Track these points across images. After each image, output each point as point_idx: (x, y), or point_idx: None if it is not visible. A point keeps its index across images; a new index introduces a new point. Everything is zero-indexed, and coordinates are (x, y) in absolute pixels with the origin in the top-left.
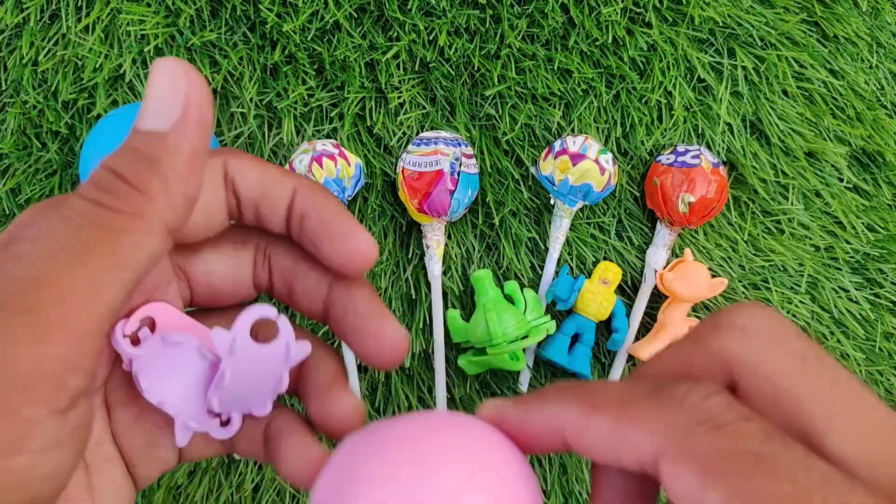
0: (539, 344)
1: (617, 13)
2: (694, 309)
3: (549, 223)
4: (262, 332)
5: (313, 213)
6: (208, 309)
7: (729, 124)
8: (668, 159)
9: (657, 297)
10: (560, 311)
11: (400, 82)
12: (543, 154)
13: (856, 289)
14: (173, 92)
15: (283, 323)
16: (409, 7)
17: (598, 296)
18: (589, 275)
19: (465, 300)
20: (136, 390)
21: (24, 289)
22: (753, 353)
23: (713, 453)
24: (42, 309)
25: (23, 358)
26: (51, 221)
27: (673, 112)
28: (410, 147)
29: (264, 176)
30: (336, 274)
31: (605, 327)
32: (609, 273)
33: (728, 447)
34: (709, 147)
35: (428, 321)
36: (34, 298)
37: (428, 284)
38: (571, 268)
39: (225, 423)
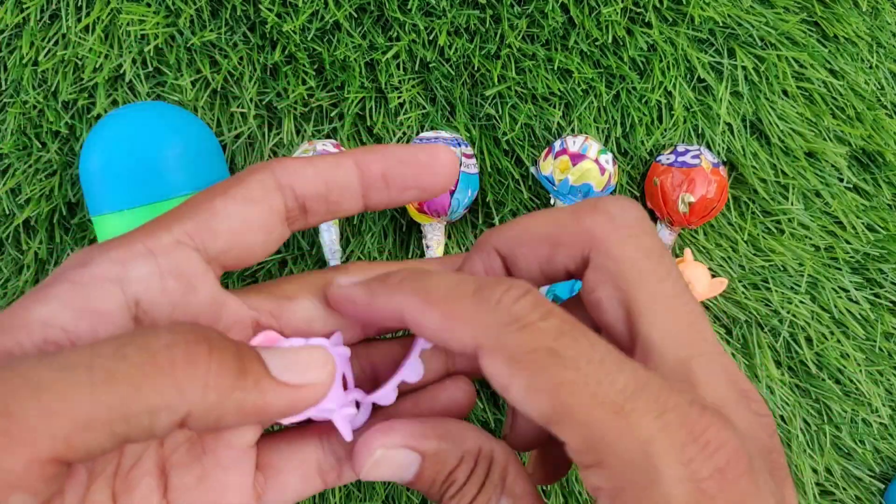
0: None
1: (617, 13)
2: None
3: None
4: None
5: (394, 164)
6: None
7: (729, 124)
8: (668, 159)
9: None
10: None
11: (400, 82)
12: (543, 154)
13: (856, 289)
14: (314, 370)
15: None
16: (409, 7)
17: None
18: None
19: None
20: (200, 449)
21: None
22: (612, 239)
23: (518, 349)
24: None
25: None
26: (76, 288)
27: (673, 112)
28: None
29: (319, 168)
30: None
31: None
32: None
33: (529, 344)
34: (709, 147)
35: None
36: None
37: None
38: None
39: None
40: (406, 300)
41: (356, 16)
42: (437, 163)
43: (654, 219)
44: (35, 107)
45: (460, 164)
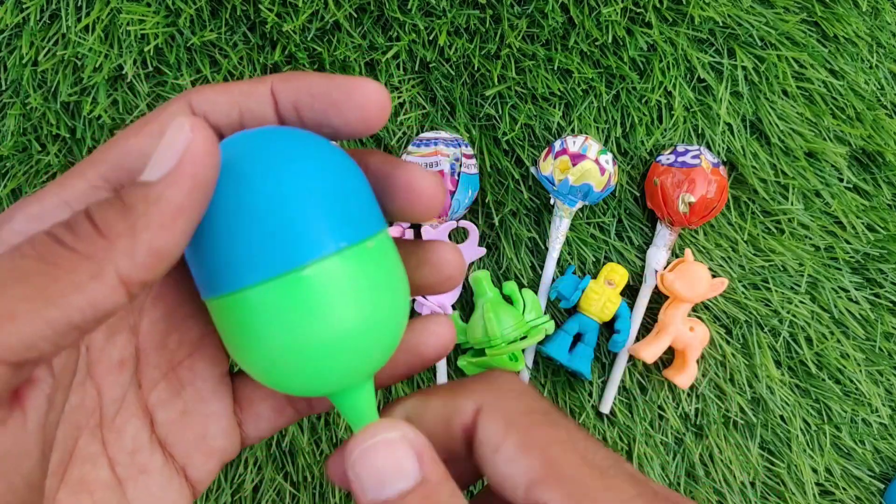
0: (540, 341)
1: (617, 13)
2: (694, 309)
3: (549, 223)
4: None
5: (304, 96)
6: None
7: (729, 124)
8: (668, 159)
9: (658, 298)
10: (562, 310)
11: (400, 82)
12: (543, 154)
13: (856, 289)
14: (174, 145)
15: None
16: (409, 7)
17: (601, 296)
18: (591, 275)
19: (465, 301)
20: (178, 384)
21: None
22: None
23: (515, 410)
24: None
25: None
26: (1, 247)
27: (673, 112)
28: (410, 147)
29: (233, 95)
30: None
31: (610, 328)
32: (615, 275)
33: (526, 405)
34: (709, 147)
35: None
36: None
37: None
38: (577, 268)
39: None
40: (410, 402)
41: (356, 16)
42: (352, 103)
43: (655, 219)
44: (36, 109)
45: (460, 165)
